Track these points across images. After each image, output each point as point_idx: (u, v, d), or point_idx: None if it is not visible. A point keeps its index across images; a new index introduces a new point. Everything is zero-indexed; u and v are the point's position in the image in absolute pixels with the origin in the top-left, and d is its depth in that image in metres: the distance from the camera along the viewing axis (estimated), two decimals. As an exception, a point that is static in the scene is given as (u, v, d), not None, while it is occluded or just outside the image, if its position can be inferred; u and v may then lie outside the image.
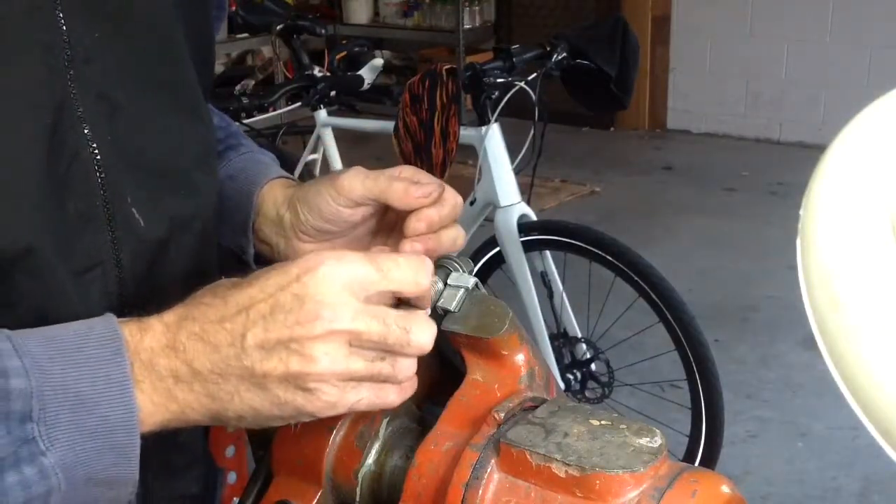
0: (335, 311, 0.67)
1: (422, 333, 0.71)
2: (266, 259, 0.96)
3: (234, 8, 5.48)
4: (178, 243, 0.84)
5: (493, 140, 2.98)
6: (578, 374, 3.04)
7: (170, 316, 0.69)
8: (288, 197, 0.92)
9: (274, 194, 0.94)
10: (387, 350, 0.70)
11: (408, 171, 0.86)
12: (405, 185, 0.84)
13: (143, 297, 0.80)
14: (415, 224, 0.83)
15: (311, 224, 0.89)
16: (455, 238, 0.85)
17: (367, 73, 3.31)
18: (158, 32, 0.83)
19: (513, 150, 3.03)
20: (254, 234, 0.95)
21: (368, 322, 0.68)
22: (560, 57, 3.00)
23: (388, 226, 0.91)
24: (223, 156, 1.00)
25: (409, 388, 0.73)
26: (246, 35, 6.12)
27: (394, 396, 0.72)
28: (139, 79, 0.81)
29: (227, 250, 0.97)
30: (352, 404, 0.69)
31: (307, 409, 0.69)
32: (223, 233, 0.96)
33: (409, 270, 0.71)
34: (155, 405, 0.68)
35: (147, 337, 0.68)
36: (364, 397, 0.70)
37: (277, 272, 0.69)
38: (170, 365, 0.68)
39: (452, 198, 0.86)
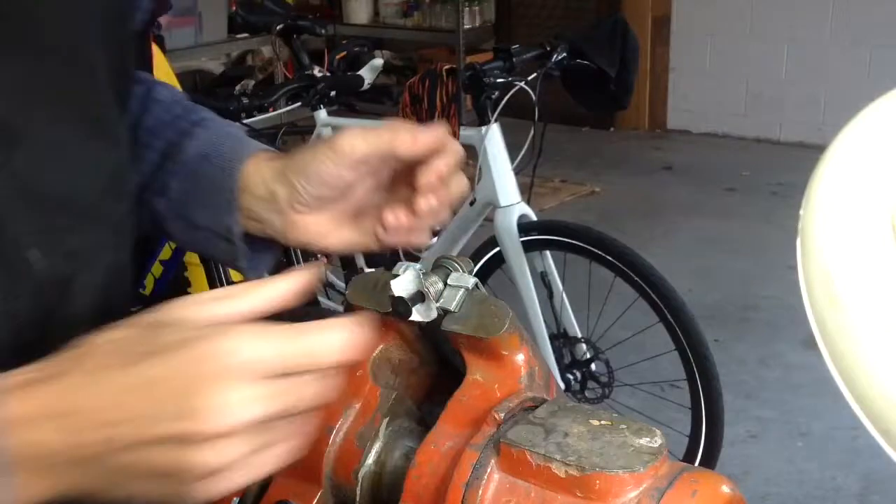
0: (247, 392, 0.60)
1: (314, 396, 0.63)
2: (255, 236, 0.91)
3: (234, 8, 5.47)
4: (83, 281, 0.76)
5: (493, 140, 2.98)
6: (578, 374, 3.04)
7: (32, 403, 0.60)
8: (277, 171, 0.89)
9: (261, 171, 0.90)
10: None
11: (400, 124, 0.85)
12: (411, 133, 0.83)
13: (43, 344, 0.68)
14: (427, 179, 0.84)
15: (310, 193, 0.86)
16: (462, 186, 0.86)
17: (367, 73, 3.31)
18: (66, 43, 0.75)
19: (513, 150, 3.03)
20: (240, 211, 0.91)
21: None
22: (560, 57, 3.00)
23: (385, 186, 0.89)
24: (190, 133, 0.94)
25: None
26: (246, 35, 6.12)
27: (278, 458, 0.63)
28: (43, 100, 0.73)
29: (208, 230, 0.92)
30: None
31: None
32: (201, 214, 0.92)
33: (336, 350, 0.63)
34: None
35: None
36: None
37: (179, 341, 0.60)
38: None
39: (453, 143, 0.85)
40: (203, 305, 0.63)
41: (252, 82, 6.00)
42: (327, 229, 0.89)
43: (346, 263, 3.45)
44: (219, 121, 0.98)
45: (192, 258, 2.94)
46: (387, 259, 3.22)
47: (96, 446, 0.60)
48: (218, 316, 0.63)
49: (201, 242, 0.94)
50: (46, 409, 0.60)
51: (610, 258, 2.85)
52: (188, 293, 3.35)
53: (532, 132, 2.97)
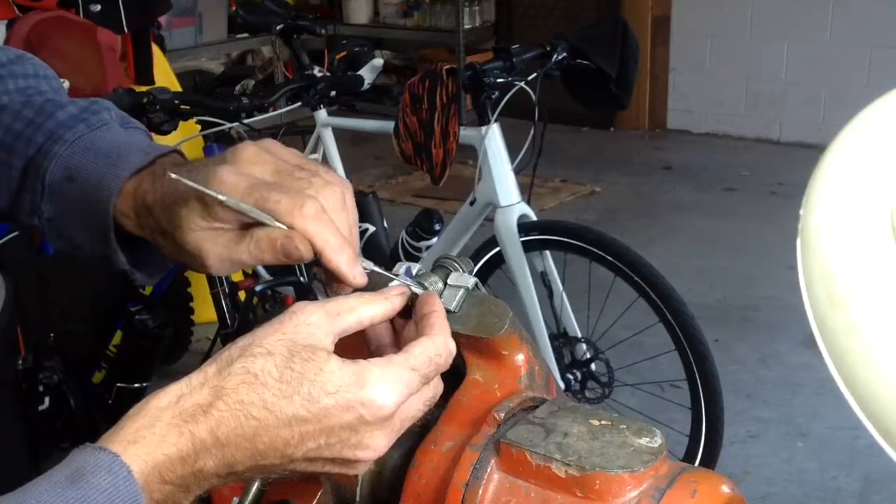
0: (393, 431, 0.67)
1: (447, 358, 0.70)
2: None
3: (234, 8, 5.47)
4: None
5: (493, 140, 2.98)
6: (578, 374, 3.04)
7: (201, 430, 0.63)
8: (148, 205, 0.79)
9: (134, 203, 0.80)
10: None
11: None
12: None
13: None
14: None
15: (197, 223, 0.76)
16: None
17: (367, 73, 3.30)
18: None
19: (513, 150, 3.03)
20: (124, 229, 0.83)
21: (416, 414, 0.68)
22: (560, 57, 3.00)
23: None
24: (48, 153, 0.84)
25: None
26: (246, 35, 6.13)
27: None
28: None
29: (92, 252, 0.85)
30: None
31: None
32: (81, 237, 0.85)
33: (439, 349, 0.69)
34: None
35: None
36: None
37: (337, 403, 0.64)
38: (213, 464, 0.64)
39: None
40: (333, 319, 0.67)
41: (252, 82, 5.99)
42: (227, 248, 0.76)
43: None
44: (82, 129, 0.86)
45: (192, 258, 2.93)
46: (386, 259, 3.22)
47: (273, 459, 0.65)
48: (348, 328, 0.68)
49: (92, 260, 0.87)
50: (205, 445, 0.63)
51: (610, 258, 2.85)
52: (188, 293, 3.34)
53: (532, 132, 2.97)
